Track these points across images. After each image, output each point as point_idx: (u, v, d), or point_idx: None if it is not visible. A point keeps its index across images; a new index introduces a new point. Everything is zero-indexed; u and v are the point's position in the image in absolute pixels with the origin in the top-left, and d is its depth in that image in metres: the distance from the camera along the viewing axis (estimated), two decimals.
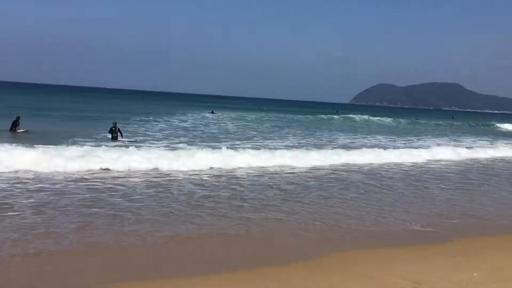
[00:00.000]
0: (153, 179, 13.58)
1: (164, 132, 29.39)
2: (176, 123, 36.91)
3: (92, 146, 17.28)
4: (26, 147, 15.19)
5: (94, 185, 12.35)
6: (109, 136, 21.88)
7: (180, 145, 21.93)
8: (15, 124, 23.37)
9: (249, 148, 20.50)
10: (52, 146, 16.43)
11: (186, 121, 40.81)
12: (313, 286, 6.55)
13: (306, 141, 29.17)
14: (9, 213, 9.13)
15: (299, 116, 62.36)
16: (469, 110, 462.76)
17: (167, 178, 13.96)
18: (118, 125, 22.27)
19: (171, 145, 21.48)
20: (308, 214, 10.60)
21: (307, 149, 22.10)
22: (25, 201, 10.16)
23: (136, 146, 17.60)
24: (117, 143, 20.21)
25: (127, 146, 17.59)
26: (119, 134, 21.75)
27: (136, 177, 13.74)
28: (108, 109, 50.26)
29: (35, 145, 16.10)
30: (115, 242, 7.94)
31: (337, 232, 9.37)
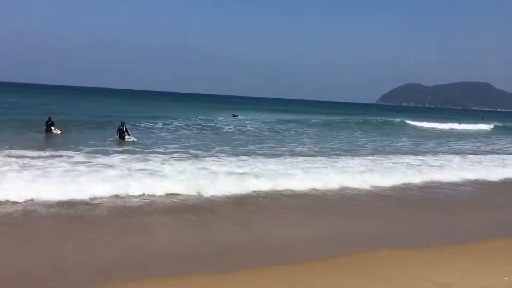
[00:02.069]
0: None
1: (177, 133, 28.37)
2: (194, 126, 34.18)
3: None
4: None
5: None
6: (117, 136, 22.56)
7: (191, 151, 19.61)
8: (49, 125, 23.36)
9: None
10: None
11: (204, 124, 37.11)
12: (334, 287, 6.40)
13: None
14: None
15: (339, 118, 54.65)
16: (499, 109, 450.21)
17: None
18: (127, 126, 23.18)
19: (181, 151, 19.45)
20: None
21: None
22: None
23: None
24: (124, 146, 20.48)
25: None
26: (126, 134, 22.34)
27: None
28: (132, 110, 49.22)
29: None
30: None
31: None
